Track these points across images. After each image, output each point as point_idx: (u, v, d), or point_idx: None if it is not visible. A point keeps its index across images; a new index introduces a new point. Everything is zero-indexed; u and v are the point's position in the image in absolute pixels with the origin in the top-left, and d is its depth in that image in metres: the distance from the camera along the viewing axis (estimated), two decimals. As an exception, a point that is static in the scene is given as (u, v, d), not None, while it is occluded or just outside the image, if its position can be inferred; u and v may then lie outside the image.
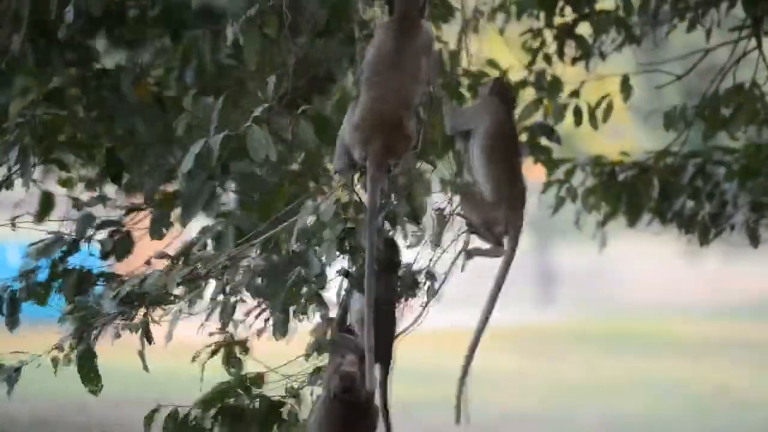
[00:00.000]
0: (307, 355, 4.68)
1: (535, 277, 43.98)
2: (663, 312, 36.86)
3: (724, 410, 20.20)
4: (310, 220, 4.39)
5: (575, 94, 5.53)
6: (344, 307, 4.73)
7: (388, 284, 4.55)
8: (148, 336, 4.66)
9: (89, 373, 4.71)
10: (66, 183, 5.34)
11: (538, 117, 5.46)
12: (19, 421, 15.92)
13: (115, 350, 4.92)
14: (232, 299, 4.55)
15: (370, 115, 4.27)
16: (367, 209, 4.27)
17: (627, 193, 5.21)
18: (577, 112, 5.49)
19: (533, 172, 5.63)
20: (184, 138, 4.52)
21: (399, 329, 4.79)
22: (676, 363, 25.68)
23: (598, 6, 5.54)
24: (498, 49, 5.60)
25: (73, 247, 4.93)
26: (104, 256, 5.09)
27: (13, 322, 5.01)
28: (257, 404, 4.72)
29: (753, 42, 5.64)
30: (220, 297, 4.55)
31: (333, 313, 4.62)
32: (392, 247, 4.56)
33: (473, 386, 19.80)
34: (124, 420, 15.95)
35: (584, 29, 5.58)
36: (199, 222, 4.93)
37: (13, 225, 4.97)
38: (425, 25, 4.46)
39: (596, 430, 17.59)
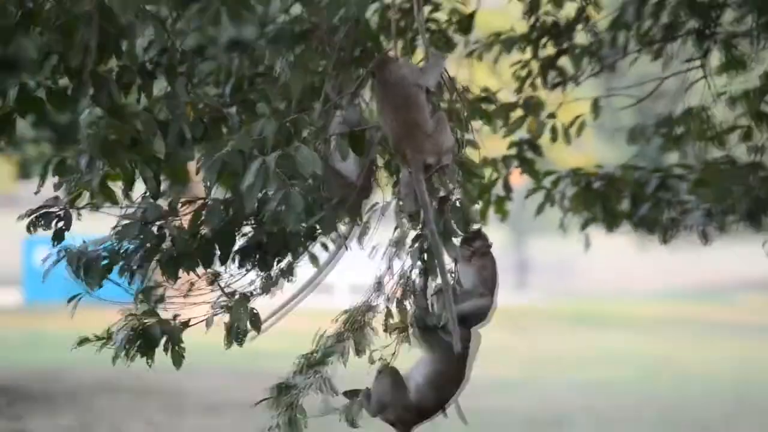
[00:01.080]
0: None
1: (512, 266, 44.17)
2: (617, 295, 37.01)
3: (668, 377, 20.25)
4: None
5: (552, 115, 5.51)
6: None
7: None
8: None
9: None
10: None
11: (522, 134, 5.42)
12: (84, 384, 15.95)
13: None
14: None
15: (395, 140, 4.17)
16: (423, 208, 4.15)
17: (602, 201, 5.19)
18: (553, 131, 5.47)
19: (514, 179, 5.61)
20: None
21: None
22: (629, 337, 25.75)
23: (576, 40, 5.55)
24: (486, 77, 5.56)
25: (145, 231, 4.78)
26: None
27: None
28: None
29: (701, 72, 5.62)
30: None
31: None
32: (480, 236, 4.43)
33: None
34: (171, 385, 16.08)
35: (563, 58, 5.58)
36: None
37: (79, 215, 4.89)
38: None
39: (566, 394, 17.63)
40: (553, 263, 42.45)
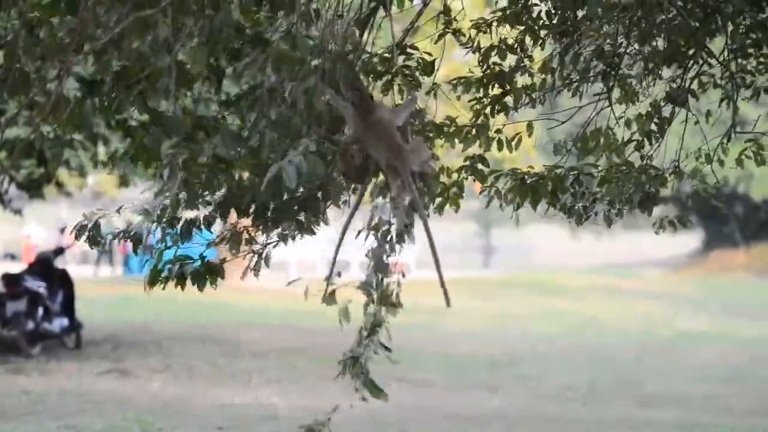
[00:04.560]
0: None
1: (479, 249, 44.19)
2: (555, 270, 36.98)
3: (593, 329, 20.29)
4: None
5: (498, 131, 5.50)
6: None
7: None
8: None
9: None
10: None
11: (476, 150, 5.38)
12: (166, 334, 15.98)
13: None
14: None
15: (387, 160, 3.97)
16: (414, 200, 3.94)
17: (531, 192, 5.18)
18: (500, 143, 5.46)
19: (477, 186, 5.57)
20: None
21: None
22: (564, 301, 25.79)
23: (517, 82, 5.53)
24: (452, 109, 5.55)
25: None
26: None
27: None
28: None
29: (606, 102, 5.65)
30: None
31: None
32: None
33: (447, 316, 19.83)
34: (229, 336, 16.14)
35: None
36: None
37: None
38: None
39: (518, 342, 17.68)
40: (510, 246, 42.55)
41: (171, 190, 4.34)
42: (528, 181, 5.12)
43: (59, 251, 15.34)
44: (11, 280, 13.72)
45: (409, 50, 4.67)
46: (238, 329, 16.87)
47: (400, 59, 4.58)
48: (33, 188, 15.04)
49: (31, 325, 13.53)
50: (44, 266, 14.35)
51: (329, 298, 3.88)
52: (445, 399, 11.77)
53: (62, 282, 14.37)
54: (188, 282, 4.44)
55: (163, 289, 4.49)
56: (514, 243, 41.64)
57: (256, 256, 4.49)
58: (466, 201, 5.54)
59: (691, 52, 5.50)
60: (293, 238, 4.47)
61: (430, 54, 4.74)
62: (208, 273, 4.46)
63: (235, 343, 15.34)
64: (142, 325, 17.10)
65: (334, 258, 4.09)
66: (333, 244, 4.48)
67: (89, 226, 4.42)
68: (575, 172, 5.19)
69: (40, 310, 13.73)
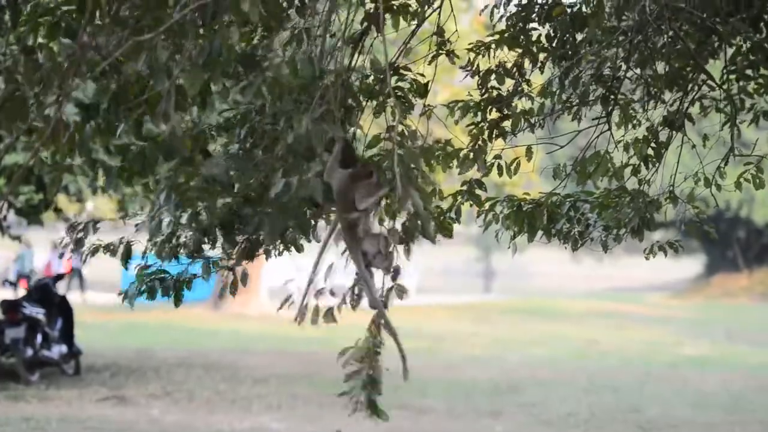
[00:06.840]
0: None
1: (479, 274, 44.14)
2: (556, 294, 36.96)
3: (593, 354, 20.21)
4: None
5: (498, 156, 5.49)
6: None
7: None
8: None
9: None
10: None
11: (474, 174, 5.34)
12: (166, 361, 15.93)
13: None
14: None
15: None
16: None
17: (528, 219, 5.16)
18: (499, 168, 5.45)
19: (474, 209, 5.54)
20: None
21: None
22: (564, 325, 25.71)
23: (516, 106, 5.51)
24: (447, 132, 5.49)
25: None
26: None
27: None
28: None
29: (605, 126, 5.65)
30: None
31: None
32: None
33: (448, 342, 19.80)
34: (230, 362, 16.09)
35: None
36: None
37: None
38: None
39: (518, 366, 17.58)
40: (510, 271, 42.50)
41: (169, 212, 4.32)
42: (524, 208, 5.10)
43: (58, 277, 15.32)
44: (10, 306, 13.69)
45: (401, 71, 4.61)
46: (237, 355, 16.83)
47: (393, 80, 4.54)
48: (32, 214, 15.04)
49: (30, 351, 13.50)
50: (43, 293, 14.32)
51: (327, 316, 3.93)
52: (447, 426, 11.71)
53: (61, 308, 14.34)
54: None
55: (131, 303, 4.52)
56: (515, 268, 41.64)
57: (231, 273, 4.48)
58: (468, 226, 5.52)
59: (691, 75, 5.50)
60: (279, 254, 4.48)
61: (423, 75, 4.70)
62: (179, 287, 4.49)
63: (234, 369, 15.29)
64: (141, 352, 17.05)
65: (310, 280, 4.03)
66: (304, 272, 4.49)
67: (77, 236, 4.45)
68: (572, 199, 5.18)
69: (39, 337, 13.69)
